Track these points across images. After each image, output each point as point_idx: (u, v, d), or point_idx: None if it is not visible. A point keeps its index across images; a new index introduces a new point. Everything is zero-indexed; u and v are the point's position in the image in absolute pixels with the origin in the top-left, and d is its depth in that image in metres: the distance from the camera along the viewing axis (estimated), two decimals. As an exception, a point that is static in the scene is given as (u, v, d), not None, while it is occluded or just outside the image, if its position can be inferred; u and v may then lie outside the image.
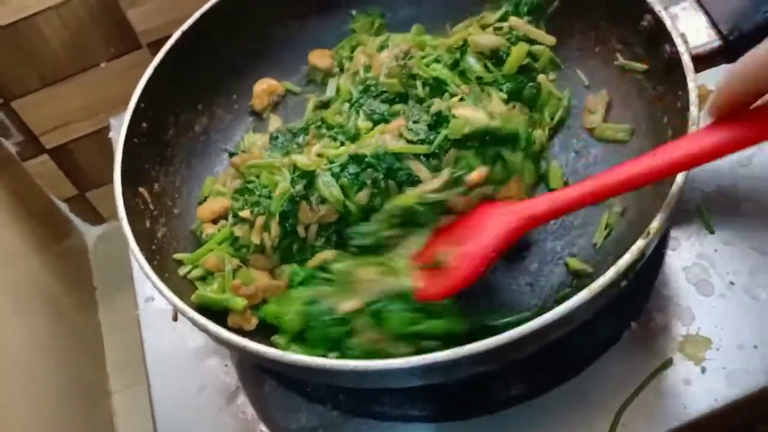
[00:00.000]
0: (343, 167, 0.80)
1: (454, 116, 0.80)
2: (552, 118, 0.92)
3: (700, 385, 0.76)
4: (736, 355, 0.77)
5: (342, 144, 0.86)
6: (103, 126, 1.35)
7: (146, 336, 0.93)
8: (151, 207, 0.85)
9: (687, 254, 0.85)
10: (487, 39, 0.94)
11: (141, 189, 0.85)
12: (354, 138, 0.87)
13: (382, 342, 0.71)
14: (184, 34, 0.94)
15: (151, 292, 0.94)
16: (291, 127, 0.97)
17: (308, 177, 0.80)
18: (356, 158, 0.79)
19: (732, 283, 0.82)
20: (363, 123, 0.88)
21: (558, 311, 0.61)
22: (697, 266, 0.84)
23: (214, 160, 0.98)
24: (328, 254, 0.79)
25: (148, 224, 0.83)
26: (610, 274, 0.63)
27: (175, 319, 0.86)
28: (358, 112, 0.90)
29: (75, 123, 1.38)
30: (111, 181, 0.95)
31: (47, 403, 1.26)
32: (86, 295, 1.55)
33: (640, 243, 0.64)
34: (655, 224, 0.65)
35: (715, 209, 0.87)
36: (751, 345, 0.77)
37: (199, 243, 0.85)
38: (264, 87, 1.02)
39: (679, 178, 0.67)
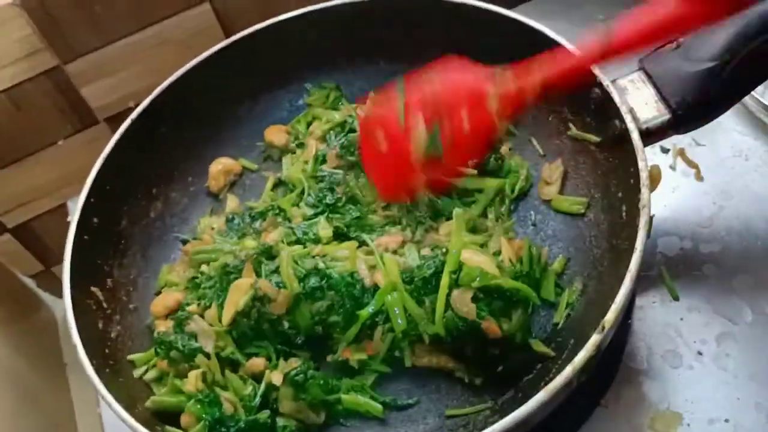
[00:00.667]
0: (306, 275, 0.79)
1: (462, 263, 0.77)
2: (512, 191, 0.91)
3: (674, 464, 0.75)
4: (708, 430, 0.76)
5: (299, 242, 0.85)
6: (62, 202, 1.33)
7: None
8: (105, 305, 0.85)
9: (652, 324, 0.84)
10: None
11: (93, 288, 0.84)
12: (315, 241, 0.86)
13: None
14: (135, 120, 0.93)
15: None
16: (249, 206, 0.96)
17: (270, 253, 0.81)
18: (320, 272, 0.79)
19: (700, 353, 0.81)
20: (324, 231, 0.86)
21: (516, 414, 0.60)
22: (664, 336, 0.83)
23: (171, 247, 0.97)
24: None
25: (101, 325, 0.82)
26: (567, 372, 0.62)
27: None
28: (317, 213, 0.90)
29: (36, 201, 1.35)
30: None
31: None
32: (57, 373, 1.52)
33: (595, 338, 0.64)
34: (610, 316, 0.65)
35: (677, 274, 0.87)
36: (722, 419, 0.77)
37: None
38: (220, 167, 1.01)
39: (637, 251, 0.68)
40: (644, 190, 0.71)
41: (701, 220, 0.91)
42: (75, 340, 0.74)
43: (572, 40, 0.81)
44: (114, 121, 1.28)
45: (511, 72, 0.78)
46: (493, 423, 0.61)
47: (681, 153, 0.95)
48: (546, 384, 0.61)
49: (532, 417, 0.61)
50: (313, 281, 0.78)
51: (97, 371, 0.71)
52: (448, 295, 0.75)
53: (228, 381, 0.78)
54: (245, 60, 1.02)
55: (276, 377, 0.75)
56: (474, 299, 0.74)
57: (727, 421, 0.76)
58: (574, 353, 0.63)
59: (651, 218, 0.71)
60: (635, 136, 0.76)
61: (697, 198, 0.93)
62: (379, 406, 0.77)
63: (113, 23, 1.17)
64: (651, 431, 0.77)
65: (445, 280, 0.75)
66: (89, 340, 0.75)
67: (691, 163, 0.94)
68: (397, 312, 0.77)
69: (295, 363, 0.77)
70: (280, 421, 0.76)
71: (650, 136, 0.78)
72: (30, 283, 1.52)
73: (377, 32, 1.00)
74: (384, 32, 1.00)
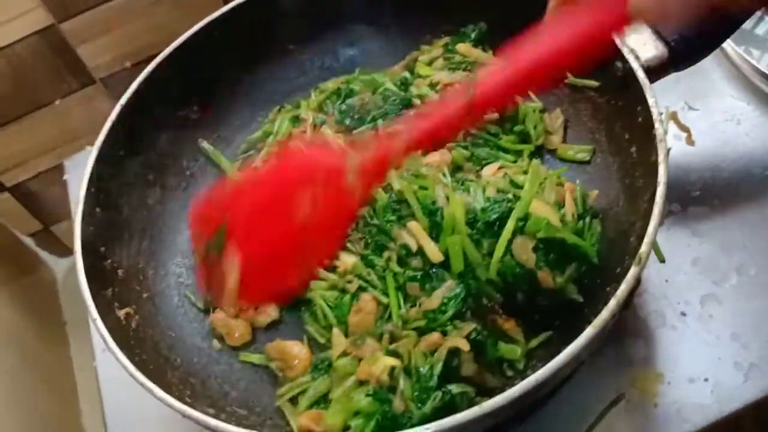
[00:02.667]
0: None
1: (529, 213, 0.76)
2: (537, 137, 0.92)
3: (652, 420, 0.77)
4: (688, 388, 0.78)
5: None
6: (60, 162, 1.33)
7: (104, 390, 0.92)
8: (119, 300, 0.83)
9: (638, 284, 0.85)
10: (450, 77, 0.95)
11: (105, 291, 0.82)
12: None
13: None
14: (125, 104, 0.91)
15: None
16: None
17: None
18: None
19: (683, 314, 0.83)
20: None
21: (569, 350, 0.61)
22: (648, 296, 0.84)
23: (174, 232, 0.96)
24: None
25: (123, 320, 0.81)
26: (611, 305, 0.63)
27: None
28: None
29: (33, 160, 1.36)
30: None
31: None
32: (56, 331, 1.54)
33: (634, 270, 0.65)
34: (644, 248, 0.66)
35: (665, 236, 0.87)
36: (701, 378, 0.78)
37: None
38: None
39: (661, 184, 0.69)
40: (658, 125, 0.73)
41: (691, 183, 0.92)
42: (107, 337, 0.72)
43: None
44: (110, 81, 1.29)
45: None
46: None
47: (673, 116, 0.95)
48: (590, 322, 0.62)
49: (582, 352, 0.62)
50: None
51: (131, 362, 0.71)
52: (510, 241, 0.75)
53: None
54: (241, 32, 1.00)
55: (461, 343, 0.72)
56: (534, 249, 0.75)
57: (706, 380, 0.78)
58: (606, 294, 0.65)
59: (668, 151, 0.72)
60: (641, 75, 0.77)
61: (687, 161, 0.94)
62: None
63: (108, -20, 1.17)
64: (632, 389, 0.79)
65: (510, 226, 0.76)
66: (114, 333, 0.73)
67: (682, 127, 0.94)
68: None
69: (468, 326, 0.74)
70: (456, 389, 0.72)
71: (652, 74, 0.78)
72: (29, 242, 1.54)
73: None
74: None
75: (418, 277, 0.78)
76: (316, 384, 0.77)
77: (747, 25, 1.06)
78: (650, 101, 0.75)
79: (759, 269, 0.84)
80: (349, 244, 0.84)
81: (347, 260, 0.84)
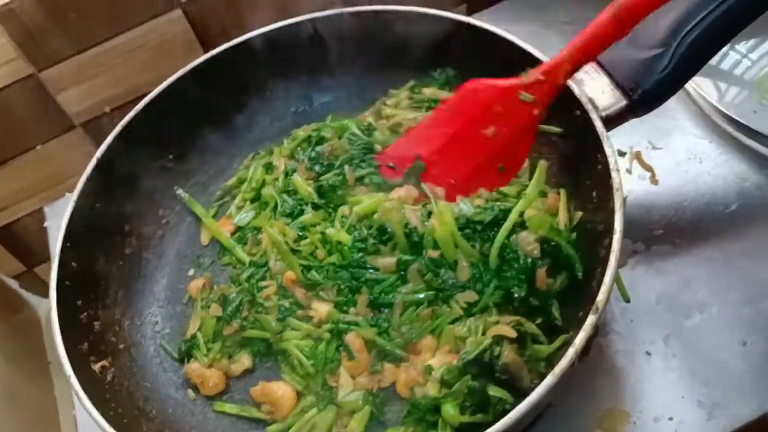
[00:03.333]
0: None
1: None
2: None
3: (620, 461, 0.78)
4: (653, 428, 0.80)
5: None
6: (43, 204, 1.35)
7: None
8: (95, 353, 0.85)
9: (604, 325, 0.87)
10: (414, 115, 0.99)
11: (83, 335, 0.85)
12: None
13: None
14: (101, 156, 0.94)
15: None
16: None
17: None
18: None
19: (648, 353, 0.85)
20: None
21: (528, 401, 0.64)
22: (615, 335, 0.86)
23: (151, 283, 0.98)
24: None
25: (98, 372, 0.83)
26: (570, 353, 0.66)
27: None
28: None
29: (16, 204, 1.38)
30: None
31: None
32: (40, 371, 1.55)
33: (591, 318, 0.68)
34: (601, 297, 0.68)
35: (630, 276, 0.89)
36: (666, 417, 0.80)
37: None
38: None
39: (617, 231, 0.72)
40: (614, 174, 0.75)
41: (654, 222, 0.94)
42: (79, 393, 0.73)
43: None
44: (89, 125, 1.31)
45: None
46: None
47: (638, 156, 0.98)
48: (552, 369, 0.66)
49: (543, 399, 0.65)
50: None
51: (104, 417, 0.72)
52: (512, 233, 0.79)
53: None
54: (218, 81, 1.03)
55: (508, 331, 0.75)
56: None
57: (671, 419, 0.79)
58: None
59: (625, 199, 0.74)
60: (598, 124, 0.79)
61: (651, 200, 0.96)
62: None
63: (86, 31, 1.18)
64: (599, 429, 0.80)
65: (513, 217, 0.80)
66: (90, 393, 0.74)
67: (646, 167, 0.96)
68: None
69: (509, 317, 0.78)
70: (493, 391, 0.74)
71: (611, 122, 0.82)
72: (13, 283, 1.55)
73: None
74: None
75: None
76: (323, 419, 0.79)
77: (712, 60, 1.08)
78: (607, 151, 0.77)
79: (720, 307, 0.86)
80: (321, 293, 0.86)
81: (321, 309, 0.86)
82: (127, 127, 0.97)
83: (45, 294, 1.58)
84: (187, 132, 1.04)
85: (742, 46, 1.12)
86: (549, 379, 0.65)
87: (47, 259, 1.53)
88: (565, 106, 0.84)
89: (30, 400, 1.46)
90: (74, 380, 0.74)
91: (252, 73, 1.06)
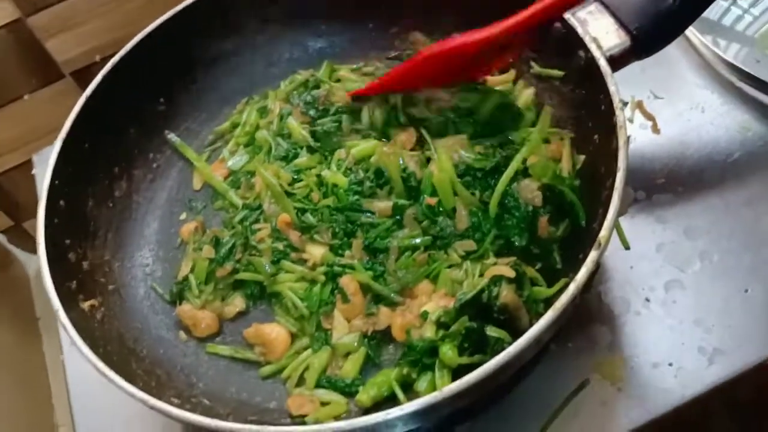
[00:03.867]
0: None
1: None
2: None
3: (617, 405, 0.78)
4: (651, 373, 0.79)
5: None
6: (30, 157, 1.32)
7: (71, 384, 0.92)
8: (83, 292, 0.83)
9: (603, 271, 0.86)
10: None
11: (69, 283, 0.82)
12: None
13: None
14: (90, 95, 0.91)
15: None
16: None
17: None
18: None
19: (648, 300, 0.83)
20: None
21: (528, 335, 0.63)
22: (613, 283, 0.85)
23: (141, 226, 0.96)
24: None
25: (86, 310, 0.81)
26: (571, 289, 0.64)
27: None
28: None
29: (2, 156, 1.35)
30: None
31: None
32: (29, 327, 1.53)
33: (593, 254, 0.66)
34: (604, 233, 0.67)
35: (630, 224, 0.88)
36: (665, 363, 0.79)
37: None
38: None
39: (620, 170, 0.69)
40: (618, 112, 0.73)
41: (656, 171, 0.93)
42: (68, 328, 0.72)
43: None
44: (79, 75, 1.28)
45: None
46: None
47: (639, 105, 0.95)
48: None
49: (542, 335, 0.63)
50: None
51: (94, 352, 0.71)
52: (513, 181, 0.78)
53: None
54: (209, 23, 1.01)
55: (506, 270, 0.74)
56: None
57: (670, 364, 0.79)
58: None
59: (628, 138, 0.73)
60: (603, 63, 0.77)
61: (653, 150, 0.95)
62: None
63: (76, -27, 1.16)
64: (597, 374, 0.79)
65: (515, 164, 0.79)
66: (78, 325, 0.73)
67: (648, 116, 0.94)
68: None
69: (509, 259, 0.77)
70: (491, 331, 0.73)
71: (615, 63, 0.79)
72: (1, 239, 1.53)
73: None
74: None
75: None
76: (318, 360, 0.78)
77: (714, 15, 1.07)
78: (611, 89, 0.75)
79: (722, 255, 0.85)
80: (316, 236, 0.85)
81: (315, 252, 0.84)
82: (116, 68, 0.94)
83: (34, 250, 1.55)
84: (178, 76, 1.02)
85: (743, 1, 1.11)
86: (549, 314, 0.63)
87: (36, 214, 1.51)
88: (568, 46, 0.82)
89: (19, 357, 1.44)
90: (62, 314, 0.72)
91: (244, 16, 1.03)
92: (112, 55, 1.26)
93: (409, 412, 0.61)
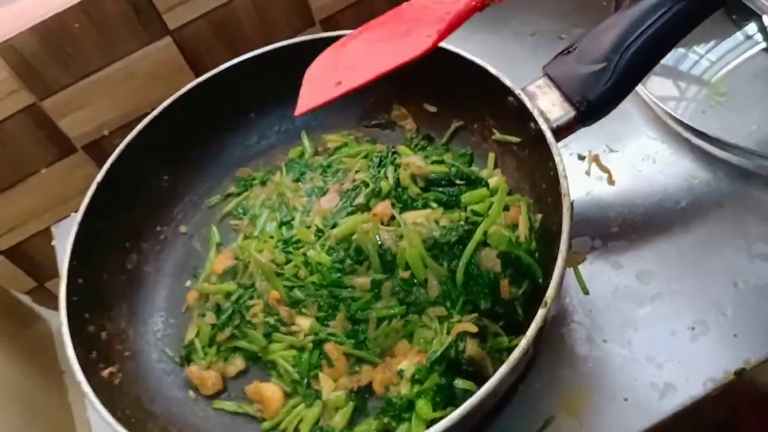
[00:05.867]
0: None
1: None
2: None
3: (580, 438, 0.86)
4: (610, 407, 0.88)
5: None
6: (50, 223, 1.44)
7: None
8: (103, 360, 0.93)
9: (566, 317, 0.95)
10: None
11: (93, 345, 0.93)
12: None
13: None
14: (101, 181, 1.01)
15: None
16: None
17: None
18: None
19: (605, 341, 0.92)
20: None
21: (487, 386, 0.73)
22: (575, 324, 0.94)
23: (152, 295, 1.06)
24: None
25: (107, 378, 0.91)
26: (522, 344, 0.74)
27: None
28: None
29: (24, 225, 1.47)
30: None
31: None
32: (55, 379, 1.64)
33: (541, 312, 0.76)
34: (550, 292, 0.77)
35: (588, 271, 0.97)
36: (621, 398, 0.88)
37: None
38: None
39: (564, 232, 0.80)
40: (563, 181, 0.83)
41: (611, 219, 1.02)
42: (91, 398, 0.82)
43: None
44: (90, 148, 1.40)
45: None
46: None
47: (595, 159, 1.05)
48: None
49: (498, 387, 0.73)
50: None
51: (114, 417, 0.80)
52: (475, 252, 0.88)
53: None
54: (208, 104, 1.11)
55: (470, 327, 0.84)
56: None
57: (626, 399, 0.87)
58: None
59: (572, 203, 0.82)
60: (549, 135, 0.87)
61: (608, 199, 1.04)
62: None
63: (83, 61, 1.27)
64: (561, 411, 0.88)
65: (477, 238, 0.88)
66: (100, 394, 0.83)
67: (603, 168, 1.04)
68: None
69: (472, 317, 0.86)
70: (459, 384, 0.83)
71: (561, 131, 0.90)
72: (25, 299, 1.64)
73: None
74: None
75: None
76: (310, 413, 0.88)
77: (671, 62, 1.17)
78: (556, 159, 0.85)
79: (671, 295, 0.94)
80: (303, 309, 0.95)
81: (303, 323, 0.94)
82: (125, 151, 1.04)
83: (56, 307, 1.67)
84: (180, 151, 1.12)
85: (701, 48, 1.20)
86: (504, 367, 0.73)
87: (57, 274, 1.62)
88: (521, 118, 0.92)
89: (46, 409, 1.55)
90: (86, 386, 0.82)
91: (239, 96, 1.14)
92: (120, 128, 1.40)
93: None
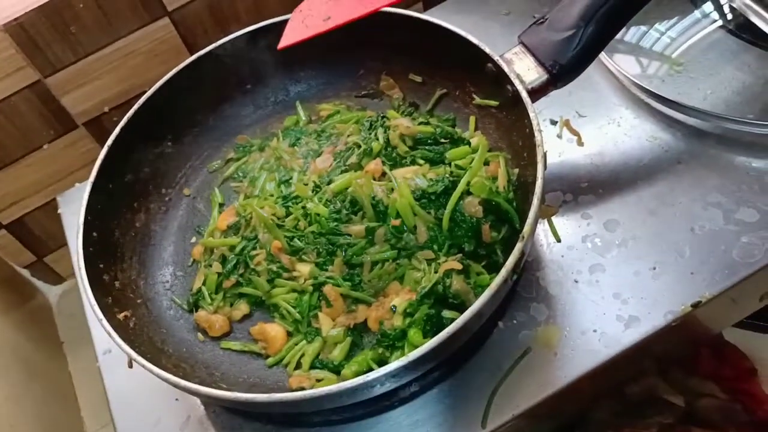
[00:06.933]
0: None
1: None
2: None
3: (554, 366, 0.96)
4: (581, 339, 0.98)
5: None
6: (51, 199, 1.51)
7: (107, 382, 1.09)
8: (117, 306, 1.00)
9: (540, 261, 1.05)
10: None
11: (106, 299, 0.99)
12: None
13: None
14: (110, 147, 1.08)
15: (108, 346, 1.10)
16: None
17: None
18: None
19: (576, 281, 1.02)
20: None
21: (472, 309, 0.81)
22: (548, 270, 1.04)
23: (159, 250, 1.14)
24: None
25: (122, 320, 0.99)
26: (502, 273, 0.83)
27: (130, 366, 1.02)
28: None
29: (27, 199, 1.53)
30: (64, 245, 1.12)
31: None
32: (55, 349, 1.70)
33: (519, 245, 0.85)
34: (526, 228, 0.86)
35: (560, 222, 1.07)
36: (591, 330, 0.98)
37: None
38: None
39: (539, 179, 0.88)
40: (537, 134, 0.92)
41: (581, 176, 1.12)
42: (112, 333, 0.90)
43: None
44: (91, 125, 1.47)
45: None
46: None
47: (566, 123, 1.15)
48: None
49: (483, 309, 0.82)
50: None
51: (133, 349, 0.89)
52: (459, 200, 0.97)
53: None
54: (206, 77, 1.19)
55: (455, 264, 0.93)
56: None
57: (595, 331, 0.97)
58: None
59: (545, 153, 0.91)
60: (524, 95, 0.96)
61: (577, 159, 1.14)
62: None
63: (86, 40, 1.35)
64: (536, 344, 0.98)
65: (461, 187, 0.97)
66: (117, 330, 0.90)
67: (573, 131, 1.14)
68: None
69: (457, 257, 0.96)
70: (447, 314, 0.93)
71: (536, 93, 0.99)
72: (25, 273, 1.70)
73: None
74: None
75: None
76: (311, 348, 0.97)
77: (632, 38, 1.27)
78: (531, 116, 0.94)
79: (635, 241, 1.04)
80: (303, 256, 1.03)
81: (303, 269, 1.03)
82: (131, 119, 1.12)
83: (55, 281, 1.76)
84: (181, 121, 1.20)
85: (662, 26, 1.31)
86: (486, 293, 0.82)
87: (55, 248, 1.69)
88: (500, 82, 1.01)
89: (47, 376, 1.61)
90: (105, 323, 0.90)
91: (234, 70, 1.21)
92: (119, 106, 1.47)
93: (385, 373, 0.80)
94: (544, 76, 1.00)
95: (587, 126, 1.17)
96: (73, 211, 1.02)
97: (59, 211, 1.33)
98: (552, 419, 1.09)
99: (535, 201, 0.88)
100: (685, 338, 1.12)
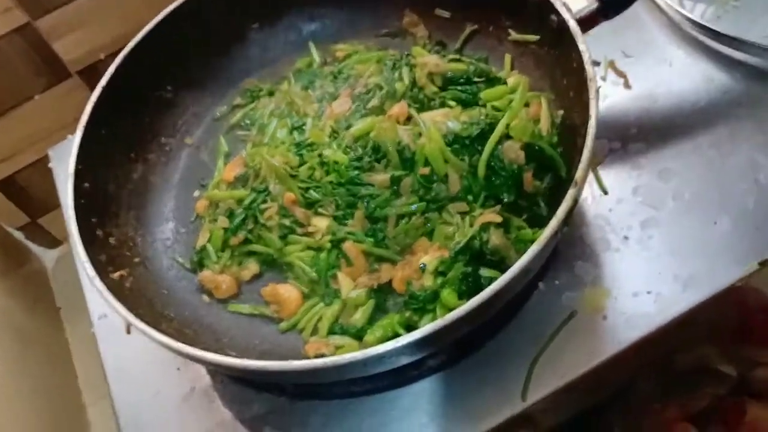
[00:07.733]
0: None
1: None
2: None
3: (603, 332, 0.85)
4: (632, 302, 0.87)
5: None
6: (43, 155, 1.40)
7: (103, 350, 1.00)
8: (112, 264, 0.90)
9: (585, 216, 0.94)
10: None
11: (100, 256, 0.89)
12: None
13: None
14: (105, 85, 0.98)
15: (103, 310, 1.00)
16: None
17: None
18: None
19: (626, 238, 0.91)
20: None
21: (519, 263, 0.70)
22: (594, 226, 0.93)
23: (158, 204, 1.04)
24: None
25: (117, 280, 0.89)
26: (552, 223, 0.72)
27: (128, 332, 0.92)
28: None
29: (18, 155, 1.43)
30: (59, 206, 1.01)
31: (27, 424, 1.32)
32: (51, 316, 1.61)
33: (571, 192, 0.74)
34: (580, 173, 0.75)
35: (607, 171, 0.96)
36: (644, 291, 0.87)
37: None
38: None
39: (592, 117, 0.77)
40: (588, 67, 0.81)
41: (629, 123, 1.00)
42: (104, 293, 0.80)
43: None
44: (85, 73, 1.36)
45: None
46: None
47: (611, 64, 1.03)
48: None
49: (530, 265, 0.71)
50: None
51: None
52: (497, 145, 0.86)
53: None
54: (207, 16, 1.08)
55: (494, 217, 0.83)
56: None
57: (649, 292, 0.86)
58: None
59: (598, 88, 0.80)
60: (573, 24, 0.85)
61: (625, 104, 1.03)
62: None
63: (77, -23, 1.24)
64: (583, 306, 0.87)
65: (500, 130, 0.86)
66: (115, 292, 0.81)
67: (620, 73, 1.02)
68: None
69: (496, 208, 0.85)
70: (485, 272, 0.82)
71: (584, 23, 0.87)
72: (19, 235, 1.61)
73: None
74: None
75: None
76: (329, 311, 0.87)
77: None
78: (581, 47, 0.83)
79: (692, 192, 0.93)
80: (320, 209, 0.92)
81: (320, 224, 0.92)
82: (126, 60, 1.01)
83: (50, 245, 1.67)
84: (182, 64, 1.08)
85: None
86: (534, 247, 0.71)
87: (51, 209, 1.59)
88: (541, 13, 0.90)
89: (42, 345, 1.53)
90: (98, 281, 0.80)
91: (240, 6, 1.10)
92: (116, 52, 1.35)
93: (415, 339, 0.69)
94: (594, 4, 0.89)
95: (634, 67, 1.05)
96: (66, 165, 0.92)
97: (50, 165, 1.23)
98: (594, 393, 0.99)
99: (588, 141, 0.76)
100: (740, 310, 1.01)
